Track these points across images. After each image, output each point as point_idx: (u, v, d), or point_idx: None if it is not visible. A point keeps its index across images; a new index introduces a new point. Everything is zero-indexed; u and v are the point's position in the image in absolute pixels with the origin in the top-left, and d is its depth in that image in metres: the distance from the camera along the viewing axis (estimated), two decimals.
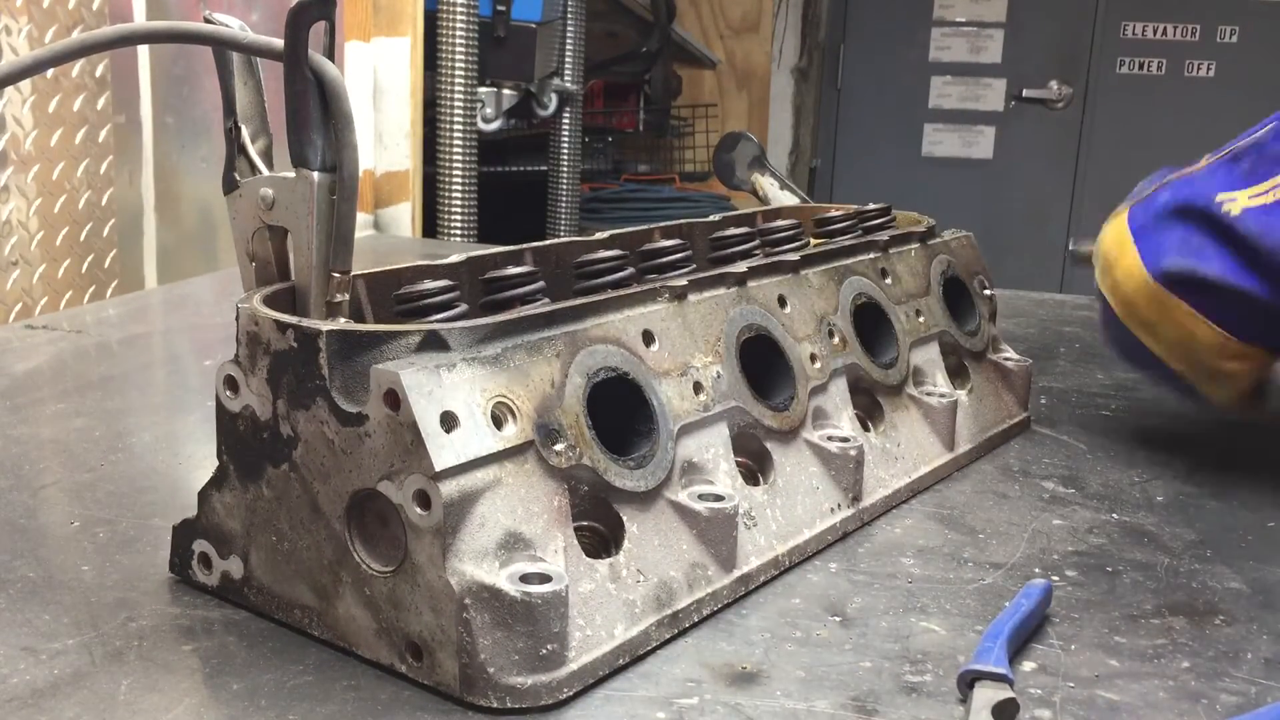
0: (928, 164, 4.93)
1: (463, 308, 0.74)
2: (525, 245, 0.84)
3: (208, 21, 0.67)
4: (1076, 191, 4.83)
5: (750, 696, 0.61)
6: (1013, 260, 4.69)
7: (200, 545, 0.69)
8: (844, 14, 4.97)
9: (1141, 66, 4.67)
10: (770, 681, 0.62)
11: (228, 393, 0.66)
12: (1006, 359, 1.05)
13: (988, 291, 1.07)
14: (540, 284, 0.79)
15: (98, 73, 1.80)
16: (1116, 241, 0.96)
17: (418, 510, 0.58)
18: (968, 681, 0.61)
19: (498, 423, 0.61)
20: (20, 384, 1.10)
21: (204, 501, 0.69)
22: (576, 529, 0.65)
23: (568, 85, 3.17)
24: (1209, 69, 4.55)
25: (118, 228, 1.87)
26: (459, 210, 2.64)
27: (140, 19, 1.90)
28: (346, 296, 0.67)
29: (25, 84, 1.65)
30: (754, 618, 0.70)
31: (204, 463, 0.95)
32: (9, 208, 1.67)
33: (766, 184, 1.08)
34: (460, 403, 0.60)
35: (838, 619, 0.70)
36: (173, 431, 1.02)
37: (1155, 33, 4.63)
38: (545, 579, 0.59)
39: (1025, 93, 4.80)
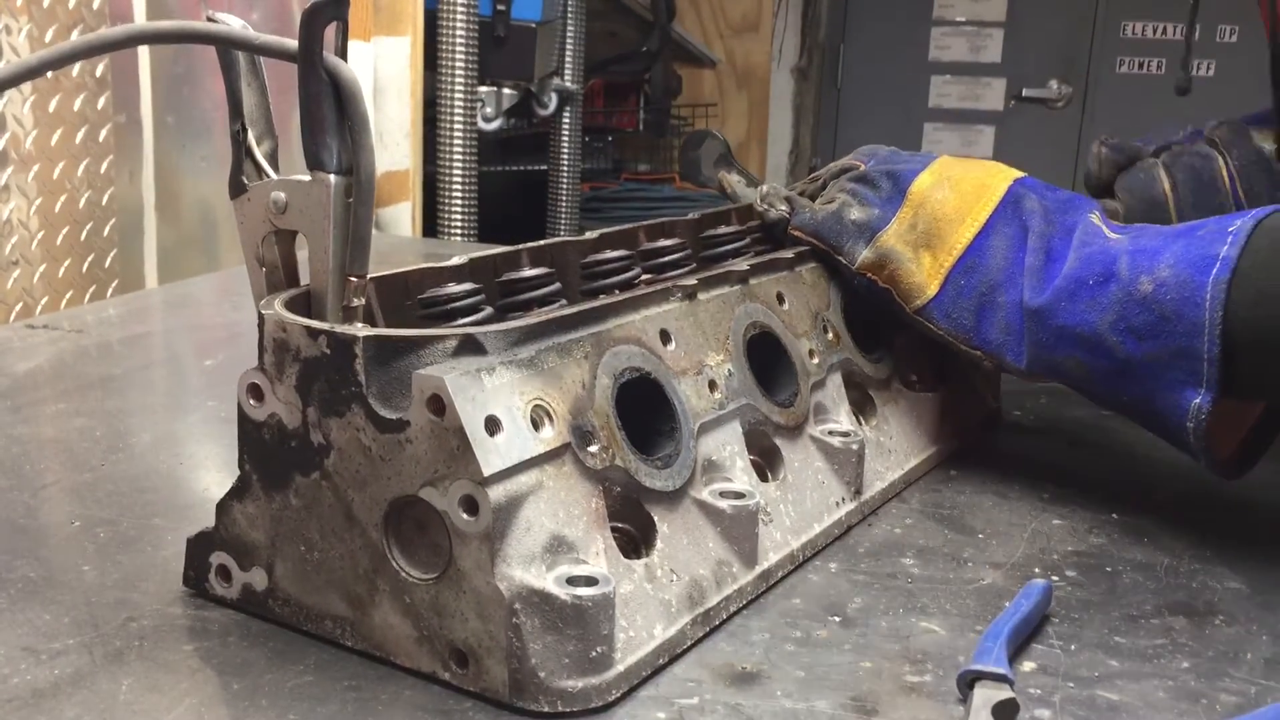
0: None
1: (489, 311, 0.74)
2: (520, 246, 0.84)
3: (211, 21, 0.67)
4: (1077, 190, 4.82)
5: (750, 696, 0.61)
6: None
7: (219, 558, 0.68)
8: (844, 14, 4.96)
9: (1141, 66, 4.67)
10: (770, 682, 0.63)
11: (251, 401, 0.65)
12: None
13: None
14: (557, 285, 0.79)
15: (98, 72, 1.80)
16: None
17: (464, 516, 0.58)
18: (968, 681, 0.61)
19: (536, 425, 0.61)
20: (21, 384, 1.10)
21: (224, 513, 0.68)
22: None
23: (568, 85, 3.17)
24: (1209, 69, 4.55)
25: (118, 227, 1.88)
26: (459, 210, 2.64)
27: (140, 19, 1.90)
28: (363, 301, 0.67)
29: (25, 83, 1.65)
30: (754, 618, 0.70)
31: (205, 463, 0.95)
32: (9, 207, 1.67)
33: (734, 181, 1.08)
34: (502, 407, 0.60)
35: (838, 619, 0.70)
36: (173, 432, 1.02)
37: (1155, 32, 4.63)
38: (592, 581, 0.59)
39: (1025, 92, 4.79)
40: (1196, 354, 0.75)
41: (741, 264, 0.84)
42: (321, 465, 0.63)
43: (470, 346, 0.61)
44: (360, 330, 0.61)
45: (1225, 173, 1.07)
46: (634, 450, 0.67)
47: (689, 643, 0.65)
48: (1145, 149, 1.11)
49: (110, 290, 1.86)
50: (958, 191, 0.91)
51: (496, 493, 0.58)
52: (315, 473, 0.63)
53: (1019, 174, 0.93)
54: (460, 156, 2.62)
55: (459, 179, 2.62)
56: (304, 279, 0.68)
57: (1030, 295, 0.84)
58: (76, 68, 1.74)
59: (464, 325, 0.74)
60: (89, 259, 1.82)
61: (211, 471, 0.92)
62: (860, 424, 0.88)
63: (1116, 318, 0.79)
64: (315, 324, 0.62)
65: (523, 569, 0.59)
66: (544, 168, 3.38)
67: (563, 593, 0.58)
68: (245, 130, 0.70)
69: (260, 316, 0.64)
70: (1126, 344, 0.79)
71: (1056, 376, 0.86)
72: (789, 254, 0.91)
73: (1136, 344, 0.78)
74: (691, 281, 0.77)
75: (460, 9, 2.51)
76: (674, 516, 0.68)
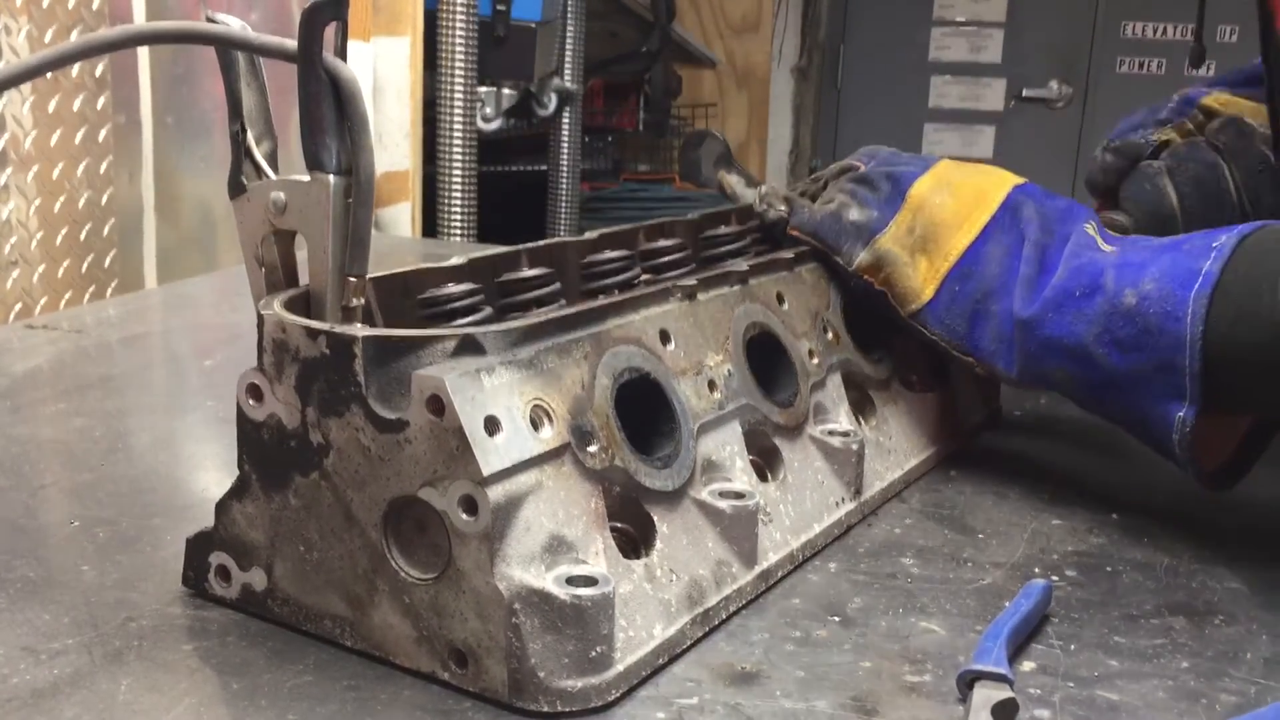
0: None
1: (488, 311, 0.74)
2: (520, 246, 0.84)
3: (210, 22, 0.67)
4: (1077, 191, 4.82)
5: (750, 696, 0.61)
6: None
7: (218, 558, 0.68)
8: (844, 14, 4.97)
9: (1141, 66, 4.67)
10: (770, 682, 0.63)
11: (251, 401, 0.65)
12: None
13: None
14: (556, 285, 0.79)
15: (97, 72, 1.80)
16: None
17: (463, 516, 0.58)
18: (967, 681, 0.61)
19: (535, 426, 0.61)
20: (20, 384, 1.10)
21: (223, 513, 0.67)
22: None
23: (567, 85, 3.17)
24: (1209, 69, 4.54)
25: (118, 228, 1.88)
26: (459, 210, 2.64)
27: (140, 19, 1.90)
28: (362, 301, 0.67)
29: (25, 84, 1.65)
30: (754, 618, 0.70)
31: (204, 463, 0.95)
32: (9, 207, 1.67)
33: (734, 182, 1.08)
34: (501, 407, 0.60)
35: (837, 619, 0.70)
36: (172, 432, 1.02)
37: (1155, 32, 4.63)
38: (592, 581, 0.59)
39: (1025, 92, 4.80)
40: (1179, 368, 0.75)
41: (741, 264, 0.84)
42: (321, 465, 0.63)
43: (469, 347, 0.61)
44: (359, 330, 0.61)
45: (1231, 184, 1.06)
46: (633, 450, 0.67)
47: (688, 643, 0.65)
48: (1145, 146, 1.11)
49: (109, 290, 1.86)
50: (957, 197, 0.91)
51: (496, 493, 0.58)
52: (314, 473, 0.63)
53: (1019, 180, 0.93)
54: (460, 157, 2.62)
55: (458, 179, 2.62)
56: (303, 279, 0.68)
57: (1021, 305, 0.84)
58: (76, 68, 1.74)
59: (463, 325, 0.74)
60: (88, 259, 1.82)
61: (211, 471, 0.92)
62: (860, 424, 0.88)
63: (1102, 330, 0.79)
64: (314, 324, 0.62)
65: (522, 569, 0.59)
66: (544, 168, 3.38)
67: (562, 593, 0.58)
68: (244, 130, 0.70)
69: (259, 317, 0.64)
70: (1111, 356, 0.79)
71: (1046, 386, 0.86)
72: (789, 254, 0.91)
73: (1121, 357, 0.78)
74: (691, 282, 0.77)
75: (460, 9, 2.51)
76: (673, 516, 0.68)
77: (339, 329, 0.62)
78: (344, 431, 0.61)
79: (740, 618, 0.69)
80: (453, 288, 0.74)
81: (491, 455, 0.58)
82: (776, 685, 0.62)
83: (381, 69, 2.49)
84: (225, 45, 0.67)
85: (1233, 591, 0.75)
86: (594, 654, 0.59)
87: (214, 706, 0.59)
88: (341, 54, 0.64)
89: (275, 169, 0.70)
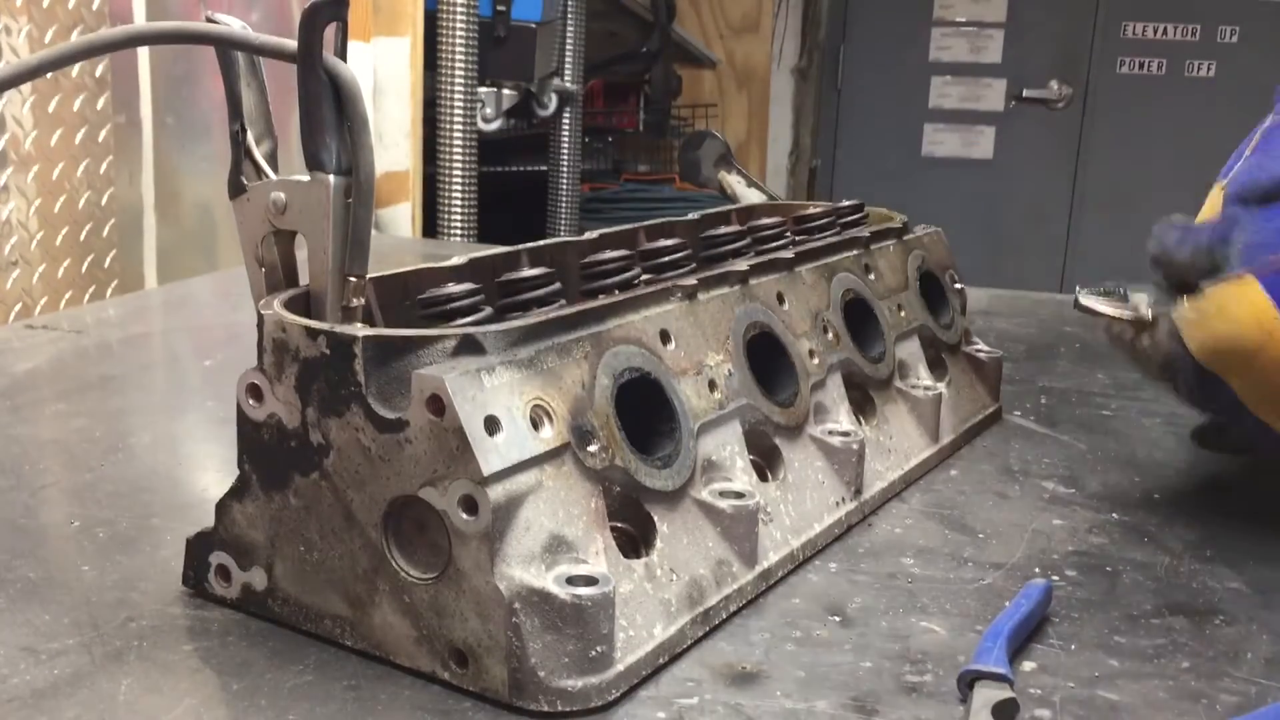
0: (928, 164, 4.93)
1: (488, 311, 0.75)
2: (520, 246, 0.84)
3: (210, 22, 0.67)
4: (1076, 191, 4.83)
5: (750, 696, 0.61)
6: (1012, 260, 4.69)
7: (218, 557, 0.68)
8: (844, 14, 4.96)
9: (1142, 66, 4.67)
10: (770, 681, 0.63)
11: (251, 401, 0.65)
12: (978, 351, 1.07)
13: (958, 285, 1.08)
14: (557, 285, 0.80)
15: (98, 73, 1.80)
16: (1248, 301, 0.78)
17: (463, 516, 0.58)
18: (968, 681, 0.61)
19: (535, 425, 0.61)
20: (20, 384, 1.10)
21: (223, 513, 0.68)
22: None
23: (568, 85, 3.17)
24: (1209, 69, 4.55)
25: (118, 228, 1.87)
26: (459, 210, 2.64)
27: (140, 19, 1.90)
28: (362, 301, 0.67)
29: (25, 84, 1.65)
30: (754, 618, 0.70)
31: (204, 463, 0.95)
32: (9, 208, 1.67)
33: (734, 181, 1.09)
34: (501, 407, 0.60)
35: (838, 619, 0.70)
36: (172, 432, 1.02)
37: (1155, 33, 4.63)
38: (592, 581, 0.59)
39: (1025, 93, 4.79)
40: None
41: (741, 264, 0.84)
42: (321, 465, 0.63)
43: (470, 346, 0.61)
44: (359, 330, 0.61)
45: None
46: (634, 450, 0.67)
47: (689, 642, 0.65)
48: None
49: (110, 291, 1.86)
50: (1226, 317, 0.79)
51: (496, 492, 0.58)
52: (314, 473, 0.63)
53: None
54: (460, 157, 2.61)
55: (459, 179, 2.62)
56: (303, 279, 0.68)
57: None
58: (76, 68, 1.74)
59: (463, 325, 0.74)
60: (88, 259, 1.82)
61: (211, 471, 0.92)
62: (860, 424, 0.88)
63: None
64: (314, 324, 0.62)
65: (522, 568, 0.59)
66: (544, 168, 3.37)
67: (562, 592, 0.58)
68: (244, 130, 0.70)
69: (260, 317, 0.64)
70: None
71: None
72: (789, 254, 0.91)
73: None
74: (691, 282, 0.78)
75: (460, 9, 2.51)
76: (674, 516, 0.68)
77: (339, 329, 0.62)
78: (344, 431, 0.61)
79: (740, 617, 0.69)
80: (453, 288, 0.74)
81: (491, 455, 0.58)
82: (777, 685, 0.62)
83: (382, 69, 2.49)
84: (225, 45, 0.67)
85: (1233, 591, 0.75)
86: (594, 654, 0.59)
87: (214, 706, 0.59)
88: (341, 54, 0.64)
89: (275, 169, 0.70)
